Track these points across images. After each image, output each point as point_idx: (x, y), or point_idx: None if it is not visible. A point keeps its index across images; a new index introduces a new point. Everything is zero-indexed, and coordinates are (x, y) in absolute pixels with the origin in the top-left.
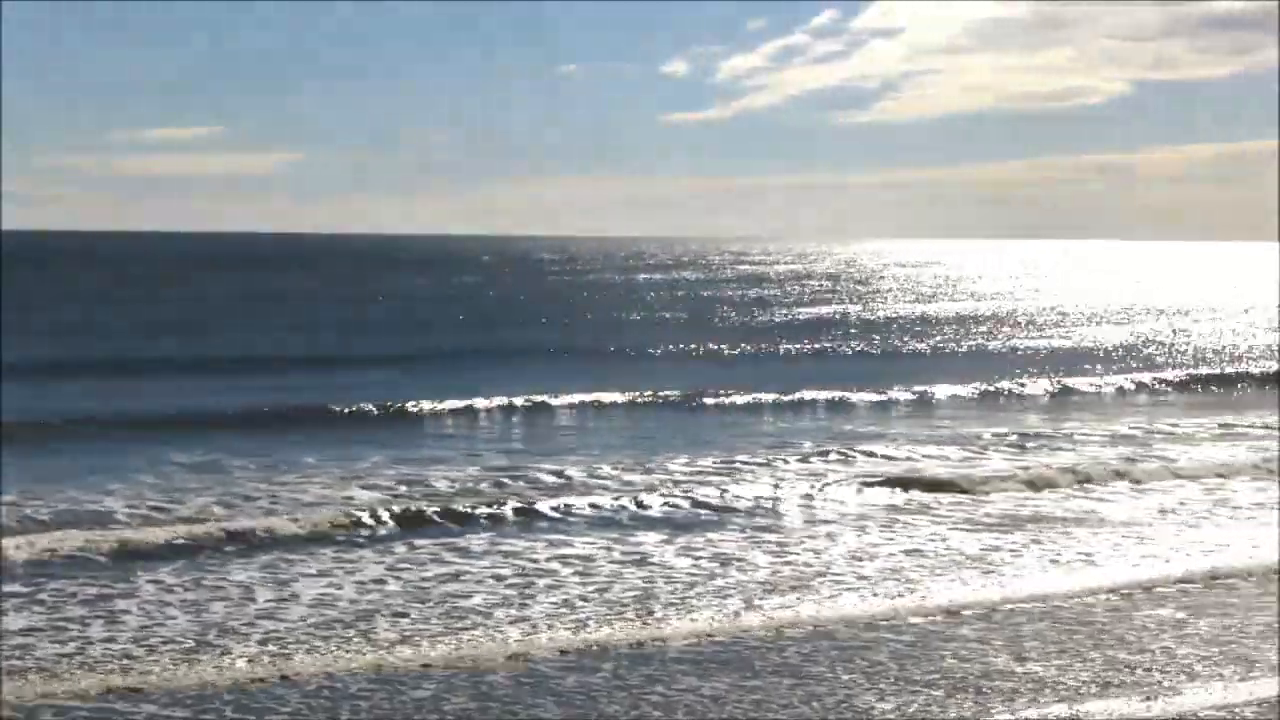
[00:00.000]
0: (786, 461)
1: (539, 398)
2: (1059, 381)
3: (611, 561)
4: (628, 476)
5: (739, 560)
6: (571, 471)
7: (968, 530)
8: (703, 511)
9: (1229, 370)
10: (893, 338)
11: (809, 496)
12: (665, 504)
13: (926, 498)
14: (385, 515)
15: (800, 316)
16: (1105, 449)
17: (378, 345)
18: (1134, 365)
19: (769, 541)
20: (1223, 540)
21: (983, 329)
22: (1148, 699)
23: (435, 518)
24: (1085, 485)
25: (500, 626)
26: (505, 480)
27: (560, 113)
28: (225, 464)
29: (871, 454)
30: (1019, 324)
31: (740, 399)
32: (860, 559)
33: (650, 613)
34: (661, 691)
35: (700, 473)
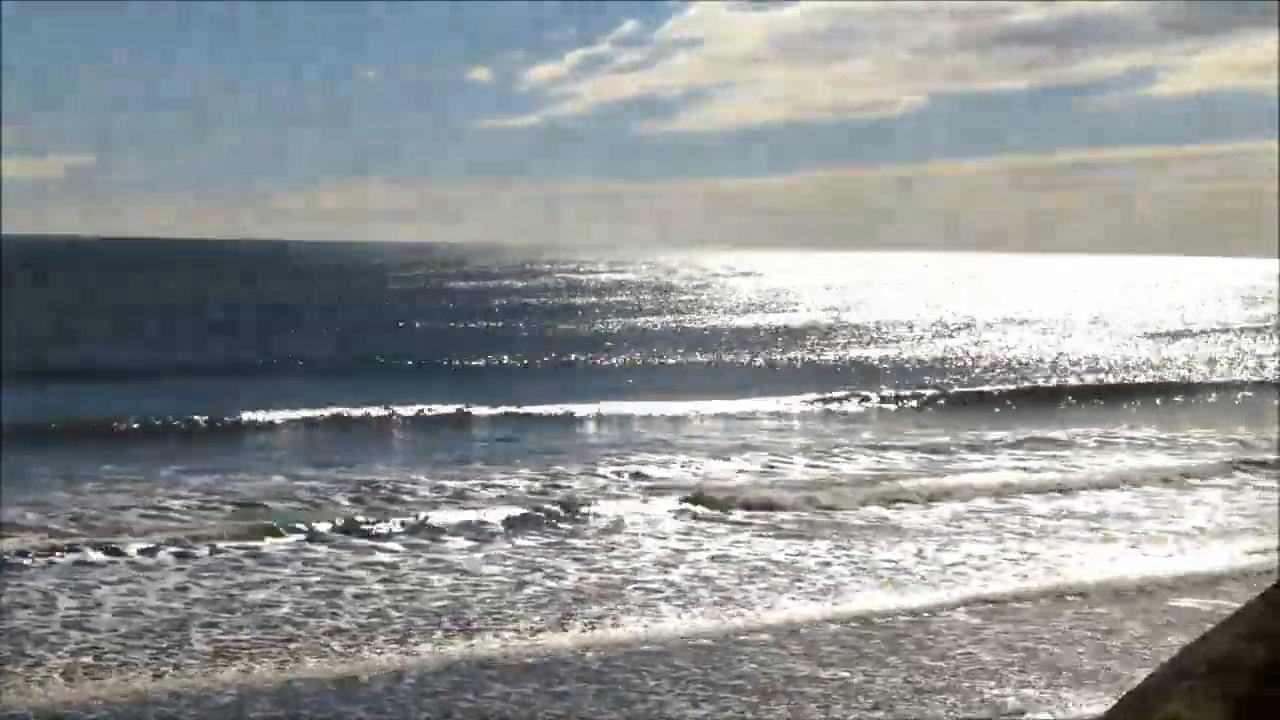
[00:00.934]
0: (594, 473)
1: (360, 410)
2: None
3: (418, 569)
4: (439, 484)
5: (550, 567)
6: (386, 480)
7: (771, 538)
8: (512, 520)
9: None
10: (703, 349)
11: (613, 505)
12: (471, 511)
13: (721, 512)
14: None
15: (614, 327)
16: (908, 458)
17: (196, 354)
18: (931, 378)
19: (576, 548)
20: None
21: (809, 340)
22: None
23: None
24: (871, 498)
25: (317, 635)
26: (316, 488)
27: (360, 116)
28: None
29: (670, 465)
30: (829, 336)
31: (556, 409)
32: (667, 567)
33: (459, 622)
34: (470, 699)
35: (508, 483)
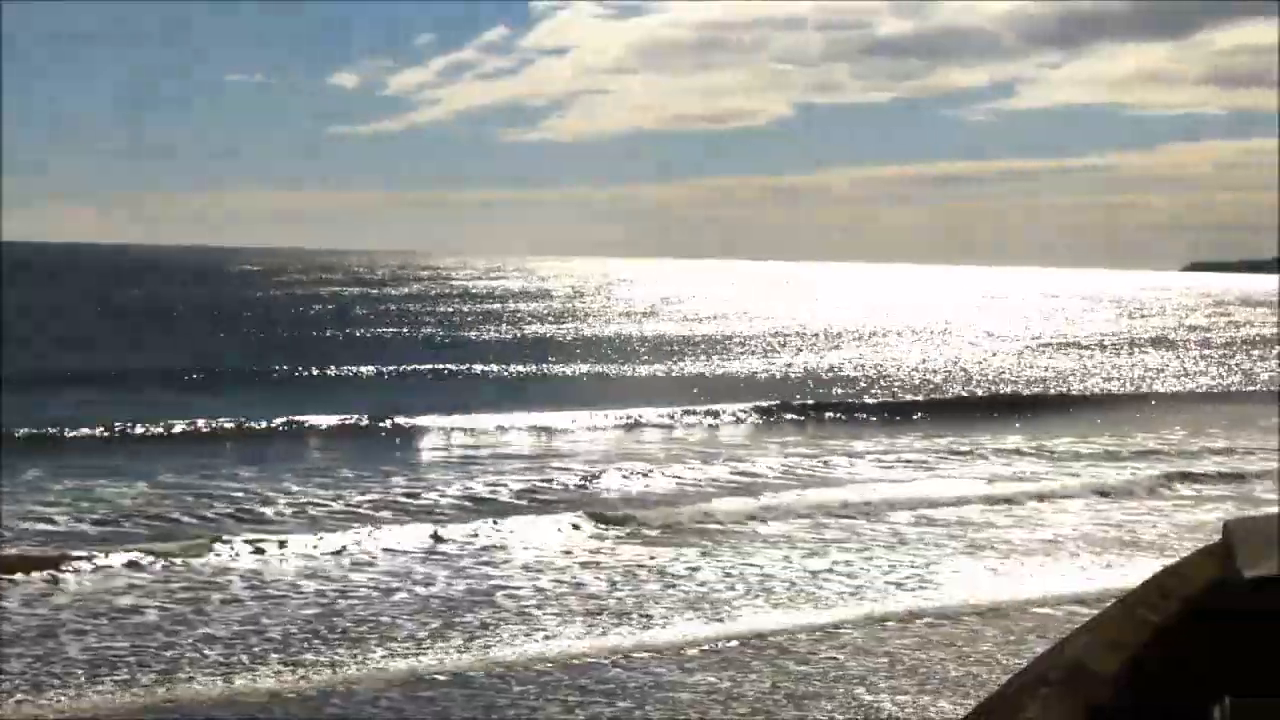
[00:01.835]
0: (468, 482)
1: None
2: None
3: (281, 577)
4: (311, 496)
5: (420, 575)
6: (264, 491)
7: (649, 547)
8: (378, 532)
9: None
10: (575, 359)
11: (477, 515)
12: (334, 523)
13: (599, 526)
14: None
15: (483, 336)
16: (773, 468)
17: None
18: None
19: (443, 558)
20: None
21: (697, 349)
22: None
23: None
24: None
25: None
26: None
27: (223, 122)
28: None
29: (538, 476)
30: (702, 345)
31: (428, 420)
32: (538, 576)
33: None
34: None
35: (378, 493)
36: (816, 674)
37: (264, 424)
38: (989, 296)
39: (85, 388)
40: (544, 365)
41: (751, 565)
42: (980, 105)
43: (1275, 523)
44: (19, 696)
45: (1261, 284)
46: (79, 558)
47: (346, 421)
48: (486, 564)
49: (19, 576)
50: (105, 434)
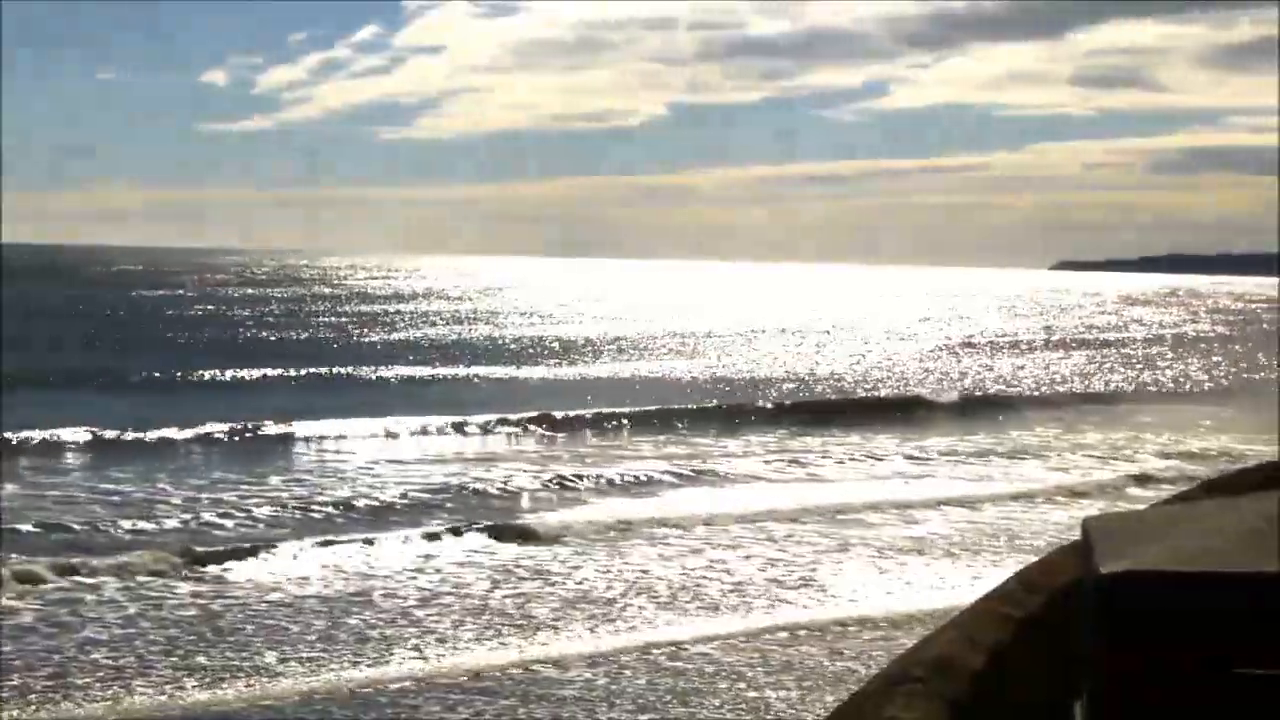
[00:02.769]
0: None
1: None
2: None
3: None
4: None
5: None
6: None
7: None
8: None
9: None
10: (435, 362)
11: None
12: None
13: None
14: None
15: (350, 340)
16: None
17: None
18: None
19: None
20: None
21: (586, 353)
22: None
23: None
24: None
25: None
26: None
27: (95, 118)
28: None
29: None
30: (573, 349)
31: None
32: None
33: None
34: None
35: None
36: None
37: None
38: (871, 296)
39: None
40: (387, 368)
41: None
42: (852, 105)
43: (1131, 520)
44: None
45: (1131, 283)
46: None
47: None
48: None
49: None
50: None
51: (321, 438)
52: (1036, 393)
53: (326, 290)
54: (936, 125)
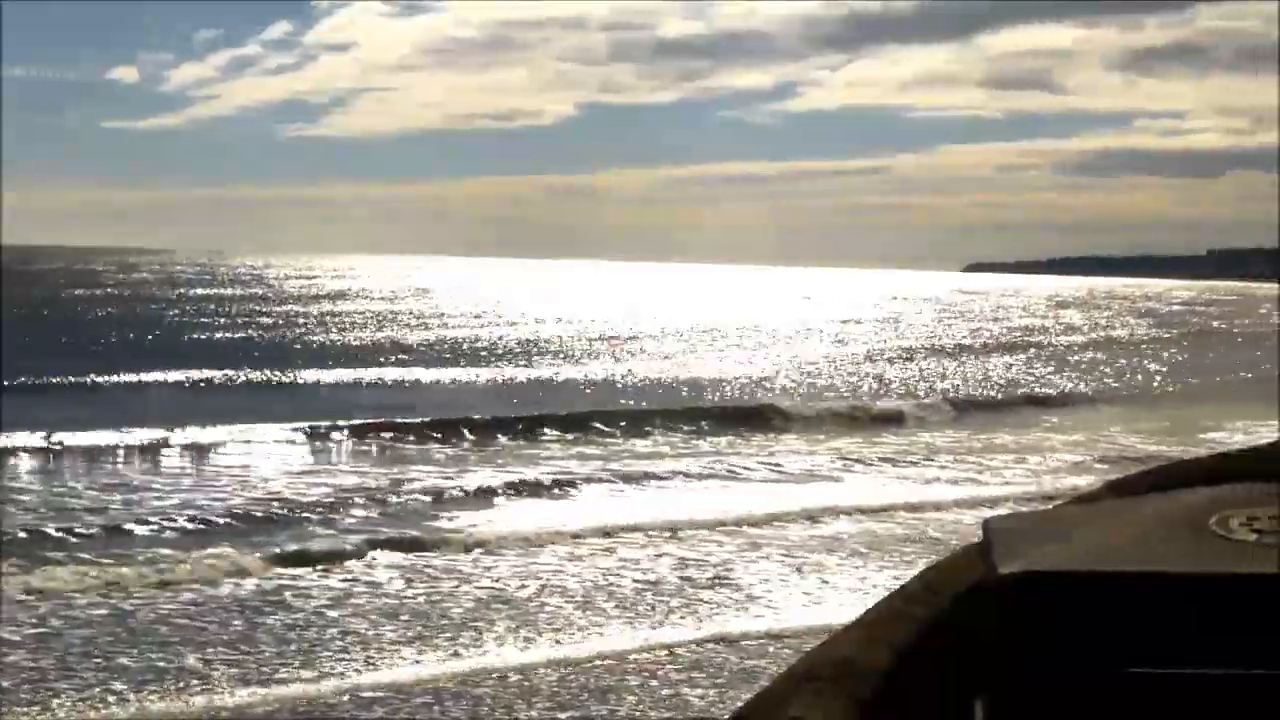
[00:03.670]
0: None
1: None
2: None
3: None
4: None
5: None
6: None
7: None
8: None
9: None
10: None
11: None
12: None
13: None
14: None
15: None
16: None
17: None
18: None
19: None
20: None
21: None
22: None
23: None
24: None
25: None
26: None
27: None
28: None
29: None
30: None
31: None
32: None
33: None
34: None
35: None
36: None
37: None
38: (777, 297)
39: None
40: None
41: None
42: (763, 106)
43: (1032, 520)
44: None
45: (1043, 285)
46: None
47: None
48: None
49: None
50: None
51: (224, 443)
52: (969, 396)
53: (254, 291)
54: (847, 126)
